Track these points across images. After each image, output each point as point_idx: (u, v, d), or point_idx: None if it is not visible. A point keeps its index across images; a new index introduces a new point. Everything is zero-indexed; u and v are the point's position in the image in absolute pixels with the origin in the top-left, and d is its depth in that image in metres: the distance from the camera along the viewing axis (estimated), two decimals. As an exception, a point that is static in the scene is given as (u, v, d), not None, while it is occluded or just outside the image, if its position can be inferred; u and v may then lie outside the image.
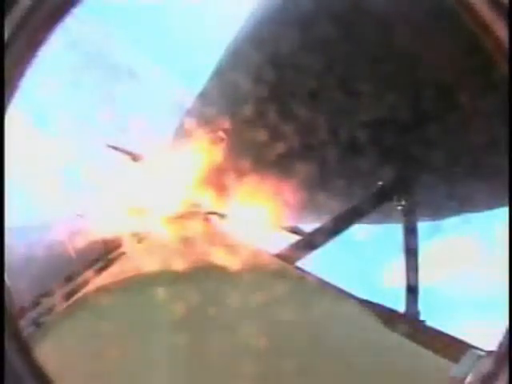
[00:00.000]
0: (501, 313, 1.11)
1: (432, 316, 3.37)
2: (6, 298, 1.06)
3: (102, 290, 2.34)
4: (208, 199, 3.79)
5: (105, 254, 3.50)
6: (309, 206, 3.92)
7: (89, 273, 3.23)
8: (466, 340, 2.82)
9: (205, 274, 2.13)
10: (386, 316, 2.77)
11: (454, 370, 1.38)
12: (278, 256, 3.27)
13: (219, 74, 3.89)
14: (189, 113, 4.06)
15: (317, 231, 3.59)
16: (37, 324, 2.81)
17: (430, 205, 3.70)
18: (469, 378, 1.25)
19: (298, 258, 3.40)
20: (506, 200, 1.12)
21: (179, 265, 2.18)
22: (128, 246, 3.33)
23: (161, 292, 1.99)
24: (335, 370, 1.65)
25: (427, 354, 2.07)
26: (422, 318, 3.41)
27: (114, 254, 3.45)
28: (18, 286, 1.14)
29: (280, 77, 3.25)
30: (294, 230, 4.04)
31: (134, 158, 4.19)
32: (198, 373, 1.59)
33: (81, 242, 3.39)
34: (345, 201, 3.60)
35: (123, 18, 3.95)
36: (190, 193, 3.82)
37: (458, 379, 1.29)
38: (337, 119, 3.36)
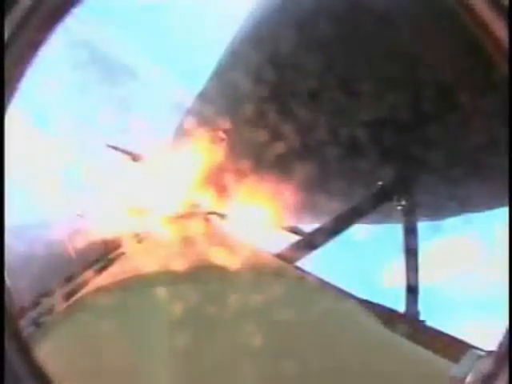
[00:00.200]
0: (501, 313, 1.11)
1: (432, 316, 3.38)
2: (6, 298, 1.06)
3: (102, 290, 2.34)
4: (208, 199, 3.79)
5: (105, 254, 3.50)
6: (309, 206, 3.92)
7: (89, 273, 3.22)
8: (466, 340, 2.82)
9: (205, 274, 2.13)
10: (386, 316, 2.77)
11: (454, 369, 1.39)
12: (278, 256, 3.27)
13: (219, 73, 3.89)
14: (189, 113, 4.06)
15: (317, 231, 3.60)
16: (37, 324, 2.80)
17: (430, 205, 3.70)
18: (469, 378, 1.25)
19: (298, 258, 3.40)
20: (506, 200, 1.12)
21: (179, 265, 2.18)
22: (128, 246, 3.32)
23: (161, 292, 1.99)
24: (335, 369, 1.65)
25: (427, 354, 2.07)
26: (421, 318, 3.42)
27: (114, 254, 3.45)
28: (18, 286, 1.14)
29: (280, 77, 3.25)
30: (294, 230, 4.04)
31: (134, 158, 4.19)
32: (198, 372, 1.59)
33: (81, 242, 3.39)
34: (345, 201, 3.60)
35: (123, 17, 3.95)
36: (190, 193, 3.82)
37: (458, 379, 1.29)
38: (337, 119, 3.36)
